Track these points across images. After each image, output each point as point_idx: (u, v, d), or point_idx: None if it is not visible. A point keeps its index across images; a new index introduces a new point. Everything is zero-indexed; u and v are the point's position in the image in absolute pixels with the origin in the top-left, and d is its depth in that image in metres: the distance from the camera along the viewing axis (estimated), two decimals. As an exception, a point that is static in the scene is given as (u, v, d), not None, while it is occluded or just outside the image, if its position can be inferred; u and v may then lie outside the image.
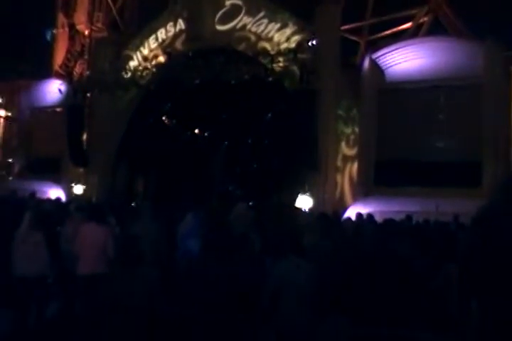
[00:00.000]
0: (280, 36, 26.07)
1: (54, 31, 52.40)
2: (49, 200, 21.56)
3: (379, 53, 23.68)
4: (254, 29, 26.78)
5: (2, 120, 53.77)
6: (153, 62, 30.06)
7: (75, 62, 49.70)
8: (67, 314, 12.08)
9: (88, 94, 30.94)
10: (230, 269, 7.20)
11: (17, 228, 11.23)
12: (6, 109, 53.07)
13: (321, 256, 9.54)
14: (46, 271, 11.18)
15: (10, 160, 45.31)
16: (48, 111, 34.14)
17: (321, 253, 9.74)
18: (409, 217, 16.20)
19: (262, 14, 26.60)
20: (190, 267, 8.80)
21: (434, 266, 9.39)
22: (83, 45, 50.02)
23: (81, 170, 31.34)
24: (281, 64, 24.99)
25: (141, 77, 29.50)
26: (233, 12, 27.43)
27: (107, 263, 10.93)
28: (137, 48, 31.03)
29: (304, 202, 23.50)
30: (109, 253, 11.15)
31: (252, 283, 7.42)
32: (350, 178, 23.91)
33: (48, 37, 53.17)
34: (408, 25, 39.47)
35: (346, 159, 24.10)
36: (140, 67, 30.13)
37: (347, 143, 24.12)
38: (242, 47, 26.94)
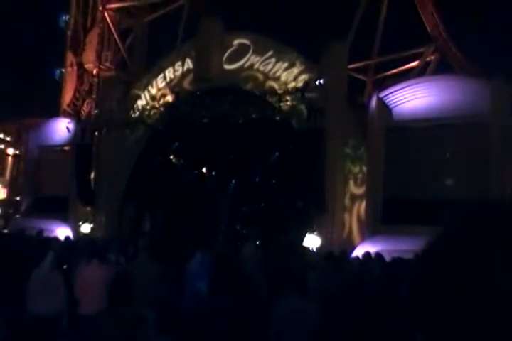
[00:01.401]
0: (288, 75, 26.18)
1: (62, 70, 52.78)
2: (59, 239, 21.54)
3: (386, 92, 23.72)
4: (261, 68, 26.91)
5: (10, 158, 54.07)
6: (161, 102, 30.18)
7: (83, 101, 50.09)
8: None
9: (96, 133, 31.02)
10: (236, 312, 7.12)
11: (27, 266, 11.22)
12: (14, 148, 53.42)
13: (327, 296, 9.47)
14: (63, 312, 11.16)
15: (17, 199, 45.44)
16: (56, 149, 34.19)
17: (326, 293, 9.67)
18: (417, 257, 16.11)
19: (269, 53, 26.75)
20: (198, 308, 8.71)
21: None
22: (91, 84, 50.43)
23: (88, 208, 31.34)
24: (288, 103, 25.07)
25: (149, 116, 29.60)
26: (241, 51, 27.59)
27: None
28: (145, 87, 31.18)
29: (312, 241, 23.41)
30: None
31: (256, 327, 7.34)
32: (358, 217, 23.81)
33: (57, 76, 53.49)
34: (415, 63, 39.76)
35: (354, 198, 24.03)
36: (148, 107, 30.25)
37: (355, 182, 24.07)
38: (249, 86, 27.06)
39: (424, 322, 1.13)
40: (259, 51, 27.09)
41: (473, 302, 1.06)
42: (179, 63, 29.95)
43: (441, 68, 38.04)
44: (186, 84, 29.65)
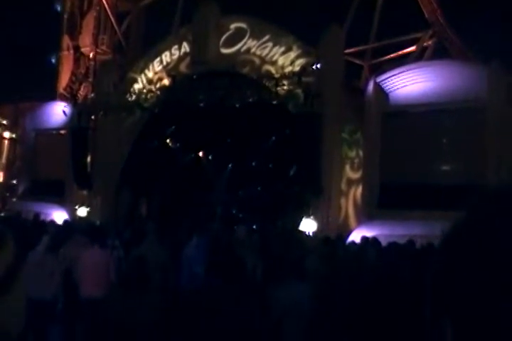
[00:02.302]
0: (284, 60, 26.16)
1: (59, 54, 52.60)
2: (55, 223, 21.57)
3: (383, 77, 23.72)
4: (258, 52, 26.87)
5: (6, 142, 53.96)
6: (158, 85, 30.13)
7: (80, 84, 49.95)
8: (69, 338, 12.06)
9: (92, 117, 30.97)
10: (231, 295, 7.14)
11: (23, 249, 11.22)
12: (11, 131, 53.35)
13: (323, 280, 9.50)
14: (59, 295, 11.21)
15: (14, 182, 45.42)
16: (53, 133, 34.18)
17: (323, 277, 9.70)
18: (411, 242, 16.12)
19: (266, 38, 26.69)
20: (196, 292, 8.73)
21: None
22: (88, 68, 50.28)
23: (85, 192, 31.33)
24: (285, 87, 25.04)
25: (146, 99, 29.55)
26: (238, 35, 27.53)
27: (108, 286, 10.99)
28: (142, 71, 31.12)
29: (308, 225, 23.45)
30: (111, 276, 11.23)
31: (253, 312, 7.35)
32: (355, 202, 23.85)
33: (53, 59, 53.33)
34: (412, 48, 39.71)
35: (351, 182, 24.05)
36: (144, 90, 30.19)
37: (351, 166, 24.09)
38: (246, 70, 27.03)
39: (453, 308, 1.14)
40: (256, 35, 27.03)
41: (506, 286, 1.06)
42: (176, 47, 29.87)
43: (439, 53, 37.98)
44: (183, 67, 29.60)
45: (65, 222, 22.42)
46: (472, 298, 1.07)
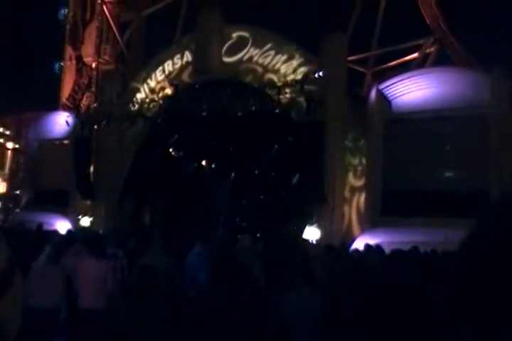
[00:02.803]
0: (287, 68, 26.19)
1: (61, 63, 52.70)
2: (58, 233, 21.54)
3: (385, 84, 23.71)
4: (260, 61, 26.91)
5: (9, 152, 53.99)
6: (160, 94, 30.20)
7: (82, 94, 50.01)
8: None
9: (95, 127, 31.01)
10: (235, 303, 7.12)
11: (27, 260, 11.23)
12: (14, 142, 53.36)
13: (327, 287, 9.48)
14: (61, 305, 11.20)
15: (17, 193, 45.44)
16: (55, 143, 34.19)
17: (327, 285, 9.68)
18: (415, 248, 16.08)
19: (268, 46, 26.74)
20: (199, 300, 8.72)
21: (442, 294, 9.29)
22: (90, 78, 50.36)
23: (88, 202, 31.34)
24: (288, 95, 25.09)
25: (148, 109, 29.61)
26: (240, 44, 27.59)
27: (106, 297, 11.05)
28: (144, 80, 31.18)
29: (312, 233, 23.43)
30: (108, 287, 11.26)
31: (260, 319, 7.32)
32: (358, 209, 23.82)
33: (56, 69, 53.42)
34: (414, 55, 39.66)
35: (354, 190, 24.03)
36: (147, 99, 30.26)
37: (354, 174, 24.07)
38: (248, 79, 27.06)
39: (472, 315, 1.11)
40: (259, 43, 27.08)
41: None
42: (178, 56, 29.95)
43: (441, 60, 37.97)
44: (185, 76, 29.65)
45: (68, 231, 22.41)
46: (493, 305, 1.05)
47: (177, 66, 29.99)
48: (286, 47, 26.50)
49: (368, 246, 16.65)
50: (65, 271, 11.82)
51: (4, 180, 54.59)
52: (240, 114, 26.05)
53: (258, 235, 26.04)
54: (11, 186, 52.60)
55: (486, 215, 1.25)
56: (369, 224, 22.76)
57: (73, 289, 11.86)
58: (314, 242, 22.45)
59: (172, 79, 29.91)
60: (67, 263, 12.35)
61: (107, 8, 49.74)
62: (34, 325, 10.95)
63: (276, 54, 26.56)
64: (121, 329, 7.39)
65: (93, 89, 48.79)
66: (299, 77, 25.32)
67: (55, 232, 21.24)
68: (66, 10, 53.36)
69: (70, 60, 51.73)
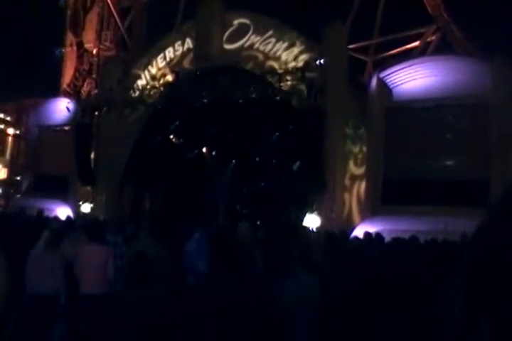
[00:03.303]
0: (288, 55, 26.14)
1: (62, 50, 52.64)
2: (59, 219, 21.56)
3: (386, 72, 23.66)
4: (262, 48, 26.86)
5: (10, 138, 54.01)
6: (161, 81, 30.16)
7: (83, 80, 50.01)
8: (73, 336, 12.08)
9: (96, 113, 30.97)
10: (237, 292, 7.13)
11: (27, 245, 11.27)
12: (14, 128, 53.41)
13: (326, 275, 9.49)
14: (60, 291, 11.23)
15: (18, 178, 45.50)
16: (56, 129, 34.15)
17: (325, 272, 9.69)
18: (414, 237, 16.09)
19: (269, 33, 26.69)
20: (197, 288, 8.74)
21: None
22: (91, 64, 50.36)
23: (88, 188, 31.36)
24: (288, 83, 25.04)
25: (149, 95, 29.59)
26: (241, 31, 27.53)
27: (108, 283, 11.10)
28: (145, 67, 31.13)
29: (312, 221, 23.45)
30: (109, 273, 11.29)
31: (260, 306, 7.34)
32: (358, 197, 23.83)
33: (56, 56, 53.35)
34: (416, 43, 39.63)
35: (354, 178, 24.03)
36: (148, 86, 30.24)
37: (355, 161, 24.06)
38: (249, 66, 27.01)
39: (493, 307, 1.11)
40: (260, 31, 27.02)
41: None
42: (179, 43, 29.89)
43: (442, 48, 37.93)
44: (186, 63, 29.60)
45: (67, 217, 22.45)
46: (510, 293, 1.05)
47: (178, 53, 29.93)
48: (287, 34, 26.44)
49: (367, 234, 16.68)
50: (64, 257, 11.83)
51: (5, 166, 54.69)
52: (240, 101, 26.01)
53: (258, 222, 26.11)
54: (11, 172, 52.69)
55: (497, 204, 1.26)
56: (369, 212, 22.77)
57: (73, 275, 11.88)
58: (314, 230, 22.47)
59: (173, 65, 29.88)
60: (66, 249, 12.37)
61: (107, -6, 49.67)
62: (33, 311, 11.01)
63: (277, 41, 26.50)
64: (121, 314, 7.42)
65: (94, 75, 48.81)
66: (300, 64, 25.28)
67: (55, 218, 21.29)
68: (67, -4, 53.26)
69: (71, 46, 51.73)
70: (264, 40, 26.80)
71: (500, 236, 1.10)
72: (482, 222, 1.17)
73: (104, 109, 30.29)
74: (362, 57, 41.62)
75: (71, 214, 28.60)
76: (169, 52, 30.21)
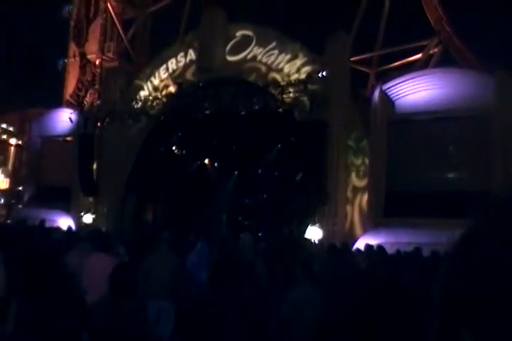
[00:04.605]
0: (290, 67, 26.17)
1: (65, 60, 52.81)
2: (60, 229, 21.56)
3: (389, 84, 23.70)
4: (264, 60, 26.90)
5: (13, 148, 54.08)
6: (164, 92, 30.18)
7: (86, 91, 50.15)
8: None
9: (98, 124, 31.02)
10: (239, 301, 7.14)
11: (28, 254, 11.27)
12: (17, 138, 53.45)
13: (328, 287, 9.50)
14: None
15: (20, 189, 45.46)
16: (59, 140, 34.20)
17: (327, 284, 9.70)
18: (417, 249, 16.09)
19: (272, 45, 26.73)
20: (200, 299, 8.75)
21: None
22: (94, 75, 50.50)
23: (91, 199, 31.36)
24: (291, 95, 25.07)
25: (152, 106, 29.63)
26: (244, 43, 27.58)
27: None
28: (148, 78, 31.18)
29: (314, 233, 23.42)
30: None
31: (261, 316, 7.34)
32: (360, 209, 23.81)
33: (60, 66, 53.51)
34: (418, 56, 39.69)
35: (356, 190, 24.02)
36: (150, 97, 30.27)
37: (357, 174, 24.05)
38: (252, 77, 27.04)
39: (473, 316, 1.11)
40: (262, 42, 27.07)
41: None
42: (182, 54, 29.95)
43: (445, 61, 38.00)
44: (189, 75, 29.65)
45: (68, 229, 22.46)
46: (495, 304, 1.05)
47: (181, 64, 29.98)
48: (290, 46, 26.49)
49: (368, 246, 16.66)
50: (70, 268, 11.82)
51: (7, 176, 54.71)
52: (243, 112, 26.04)
53: (260, 234, 26.09)
54: (13, 182, 52.70)
55: (482, 213, 1.26)
56: (371, 224, 22.75)
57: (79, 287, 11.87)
58: (316, 242, 22.45)
59: (176, 77, 29.93)
60: (71, 261, 12.35)
61: (111, 5, 49.88)
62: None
63: (280, 53, 26.55)
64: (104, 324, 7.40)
65: (97, 86, 48.91)
66: (302, 76, 25.32)
67: (57, 229, 21.28)
68: (70, 7, 53.52)
69: (74, 57, 51.89)
70: (267, 51, 26.84)
71: (482, 246, 1.10)
72: (464, 232, 1.18)
73: (107, 119, 30.36)
74: (364, 69, 41.73)
75: (72, 224, 28.62)
76: (172, 64, 30.27)
